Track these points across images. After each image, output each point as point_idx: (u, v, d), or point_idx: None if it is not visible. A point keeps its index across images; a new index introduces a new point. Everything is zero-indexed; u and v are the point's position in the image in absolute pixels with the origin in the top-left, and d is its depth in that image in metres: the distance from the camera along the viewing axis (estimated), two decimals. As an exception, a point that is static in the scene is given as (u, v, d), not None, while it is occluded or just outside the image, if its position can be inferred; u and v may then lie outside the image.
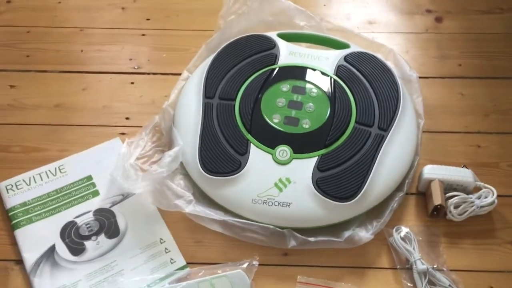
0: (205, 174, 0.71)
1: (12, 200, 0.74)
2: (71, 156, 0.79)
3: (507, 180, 0.76)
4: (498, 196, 0.71)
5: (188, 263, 0.69)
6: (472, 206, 0.70)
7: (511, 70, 0.89)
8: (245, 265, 0.67)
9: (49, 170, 0.77)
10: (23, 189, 0.75)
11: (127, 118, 0.85)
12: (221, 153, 0.72)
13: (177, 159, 0.72)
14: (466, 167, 0.75)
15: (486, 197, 0.71)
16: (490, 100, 0.86)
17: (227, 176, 0.71)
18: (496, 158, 0.79)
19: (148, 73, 0.91)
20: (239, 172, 0.71)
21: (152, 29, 0.98)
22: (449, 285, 0.65)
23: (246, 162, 0.71)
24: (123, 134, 0.83)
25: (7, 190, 0.75)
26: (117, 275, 0.68)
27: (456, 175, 0.73)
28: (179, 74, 0.86)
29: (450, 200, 0.71)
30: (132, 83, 0.90)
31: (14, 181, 0.75)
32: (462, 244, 0.70)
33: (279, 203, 0.69)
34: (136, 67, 0.92)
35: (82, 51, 0.94)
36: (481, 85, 0.88)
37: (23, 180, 0.76)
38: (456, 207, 0.70)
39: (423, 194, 0.75)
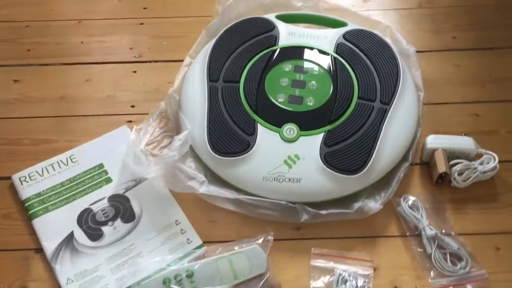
0: (215, 155, 0.73)
1: (27, 191, 0.75)
2: (81, 145, 0.80)
3: (506, 146, 0.78)
4: (499, 161, 0.74)
5: (204, 242, 0.71)
6: (475, 172, 0.73)
7: (504, 40, 0.92)
8: (260, 241, 0.69)
9: (60, 161, 0.78)
10: (36, 180, 0.76)
11: (132, 106, 0.86)
12: (229, 135, 0.74)
13: (187, 142, 0.74)
14: (467, 136, 0.77)
15: (488, 163, 0.74)
16: (486, 70, 0.88)
17: (237, 156, 0.72)
18: (495, 125, 0.81)
19: (150, 61, 0.92)
20: (248, 151, 0.72)
21: (149, 17, 0.99)
22: (458, 248, 0.68)
23: (255, 142, 0.73)
24: (130, 122, 0.84)
25: (21, 182, 0.76)
26: (136, 257, 0.69)
27: (458, 143, 0.75)
28: (181, 61, 0.87)
29: (454, 168, 0.73)
30: (135, 71, 0.91)
31: (27, 173, 0.77)
32: (467, 209, 0.73)
33: (289, 179, 0.71)
34: (137, 56, 0.93)
35: (82, 42, 0.95)
36: (476, 56, 0.90)
37: (36, 171, 0.77)
38: (459, 174, 0.73)
39: (427, 163, 0.77)
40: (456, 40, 0.92)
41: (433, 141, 0.75)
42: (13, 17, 0.99)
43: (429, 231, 0.69)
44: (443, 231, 0.70)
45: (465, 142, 0.75)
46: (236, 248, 0.68)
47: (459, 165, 0.73)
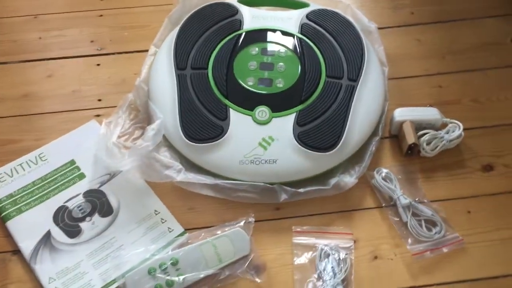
0: (190, 142, 0.73)
1: (-3, 194, 0.73)
2: (49, 143, 0.79)
3: (469, 114, 0.81)
4: (463, 129, 0.77)
5: (186, 230, 0.71)
6: (442, 141, 0.76)
7: (461, 12, 0.95)
8: (242, 223, 0.69)
9: (29, 160, 0.76)
10: (6, 181, 0.74)
11: (99, 100, 0.85)
12: (202, 121, 0.74)
13: (160, 131, 0.73)
14: (432, 107, 0.80)
15: (453, 131, 0.76)
16: (445, 42, 0.91)
17: (211, 142, 0.72)
18: (457, 95, 0.84)
19: (113, 53, 0.91)
20: (222, 137, 0.73)
21: (108, 8, 0.97)
22: (432, 215, 0.71)
23: (228, 127, 0.73)
24: (98, 116, 0.82)
25: (-10, 184, 0.74)
26: (118, 250, 0.69)
27: (424, 115, 0.78)
28: (145, 51, 0.86)
29: (422, 138, 0.75)
30: (98, 64, 0.89)
31: (-4, 175, 0.75)
32: (437, 177, 0.76)
33: (265, 161, 0.72)
34: (99, 49, 0.91)
35: (40, 38, 0.92)
36: (435, 29, 0.93)
37: (5, 172, 0.75)
38: (428, 143, 0.75)
39: (396, 136, 0.79)
40: (414, 16, 0.95)
41: (401, 114, 0.78)
42: (-36, 16, 0.95)
43: (404, 200, 0.71)
44: (417, 199, 0.72)
45: (430, 113, 0.78)
46: (218, 232, 0.69)
47: (427, 135, 0.75)
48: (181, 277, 0.64)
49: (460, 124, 0.77)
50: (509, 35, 0.91)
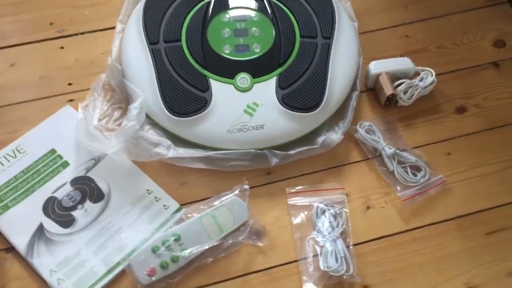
0: (175, 117, 0.72)
1: (-21, 193, 0.70)
2: (25, 134, 0.76)
3: (438, 60, 0.84)
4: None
5: (181, 205, 0.71)
6: (418, 89, 0.78)
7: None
8: (237, 192, 0.70)
9: (7, 154, 0.74)
10: (-14, 179, 0.72)
11: (69, 84, 0.82)
12: (184, 95, 0.73)
13: (143, 109, 0.72)
14: (404, 56, 0.82)
15: (427, 78, 0.79)
16: (406, -8, 0.93)
17: (196, 114, 0.72)
18: (424, 43, 0.87)
19: (76, 34, 0.87)
20: (207, 108, 0.72)
21: (63, -13, 0.92)
22: (416, 160, 0.74)
23: (211, 97, 0.73)
24: (71, 100, 0.80)
25: (-31, 184, 0.71)
26: (117, 233, 0.68)
27: (398, 65, 0.80)
28: (109, 28, 0.84)
29: (399, 88, 0.78)
30: (62, 47, 0.86)
31: (-26, 174, 0.72)
32: (416, 124, 0.79)
33: (253, 127, 0.72)
34: (60, 31, 0.87)
35: (-5, 25, 0.88)
36: (395, -21, 0.94)
37: (-17, 170, 0.72)
38: (404, 93, 0.78)
39: (373, 89, 0.81)
40: (373, -32, 0.96)
41: (376, 66, 0.80)
42: None
43: (388, 150, 0.74)
44: (400, 147, 0.75)
45: (404, 63, 0.80)
46: (216, 203, 0.69)
47: (403, 85, 0.78)
48: (186, 252, 0.65)
49: (432, 71, 0.79)
50: (466, -20, 0.94)
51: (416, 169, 0.74)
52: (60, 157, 0.74)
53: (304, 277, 0.66)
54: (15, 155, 0.74)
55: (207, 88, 0.73)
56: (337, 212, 0.70)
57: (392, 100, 0.79)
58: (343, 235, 0.68)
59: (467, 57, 0.85)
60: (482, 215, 0.71)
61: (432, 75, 0.79)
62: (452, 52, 0.86)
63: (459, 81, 0.83)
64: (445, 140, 0.77)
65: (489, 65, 0.84)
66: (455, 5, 0.91)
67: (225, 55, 0.76)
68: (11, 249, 0.68)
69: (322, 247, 0.67)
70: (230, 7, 0.80)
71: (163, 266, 0.64)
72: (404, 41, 0.87)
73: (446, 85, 0.82)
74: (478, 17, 0.90)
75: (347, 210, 0.71)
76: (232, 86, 0.74)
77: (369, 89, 0.82)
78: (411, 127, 0.78)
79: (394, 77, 0.80)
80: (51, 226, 0.69)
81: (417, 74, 0.81)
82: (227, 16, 0.79)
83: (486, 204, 0.72)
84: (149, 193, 0.72)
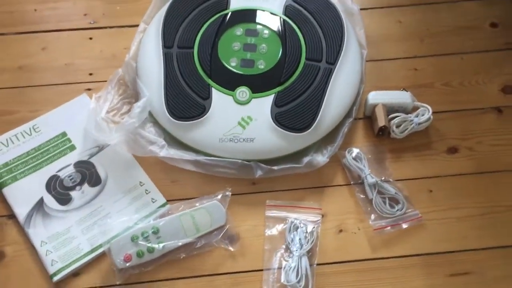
0: (174, 120, 0.78)
1: (-6, 162, 0.79)
2: (43, 115, 0.83)
3: (440, 98, 0.86)
4: (434, 112, 0.81)
5: (168, 201, 0.77)
6: (412, 124, 0.80)
7: (443, -5, 0.97)
8: (219, 197, 0.75)
9: (24, 131, 0.82)
10: (2, 150, 0.80)
11: (90, 74, 0.89)
12: (186, 100, 0.78)
13: (145, 109, 0.78)
14: (406, 90, 0.84)
15: (423, 115, 0.81)
16: (424, 25, 0.94)
17: (194, 120, 0.77)
18: (431, 78, 0.88)
19: (105, 27, 0.94)
20: (204, 115, 0.77)
21: (101, -19, 0.99)
22: (395, 193, 0.76)
23: (210, 106, 0.78)
24: (89, 89, 0.87)
25: (-13, 153, 0.79)
26: (105, 218, 0.75)
27: (396, 98, 0.82)
28: (135, 26, 0.90)
29: (393, 121, 0.80)
30: (91, 38, 0.93)
31: (-7, 144, 0.80)
32: (405, 158, 0.81)
33: (244, 139, 0.77)
34: (92, 22, 0.94)
35: (35, 10, 0.96)
36: (416, 11, 0.95)
37: (1, 142, 0.80)
38: (397, 126, 0.80)
39: (370, 117, 0.84)
40: (398, -3, 0.98)
41: (374, 97, 0.82)
42: (-39, -14, 0.98)
43: (370, 179, 0.77)
44: (383, 178, 0.78)
45: (403, 97, 0.82)
46: (197, 204, 0.75)
47: (397, 118, 0.80)
48: (161, 245, 0.71)
49: (430, 108, 0.81)
50: (487, 20, 0.94)
51: (394, 201, 0.76)
52: (69, 140, 0.81)
53: (264, 287, 0.70)
54: (30, 133, 0.82)
55: (208, 96, 0.79)
56: (309, 230, 0.73)
57: (385, 131, 0.81)
58: (310, 253, 0.72)
59: (471, 99, 0.86)
60: (450, 256, 0.73)
61: (429, 112, 0.81)
62: (457, 92, 0.87)
63: (458, 122, 0.84)
64: (430, 177, 0.79)
65: (491, 110, 0.85)
66: (471, 45, 0.91)
67: (230, 67, 0.81)
68: (12, 216, 0.76)
69: (287, 261, 0.71)
70: (245, 21, 0.85)
71: (139, 255, 0.70)
72: (412, 74, 0.89)
73: (444, 124, 0.83)
74: (492, 59, 0.90)
75: (319, 230, 0.74)
76: (231, 97, 0.79)
77: (367, 116, 0.84)
78: (400, 159, 0.81)
79: (392, 109, 0.82)
80: (50, 201, 0.76)
81: (415, 109, 0.82)
82: (241, 29, 0.84)
83: (455, 246, 0.74)
84: (141, 185, 0.78)
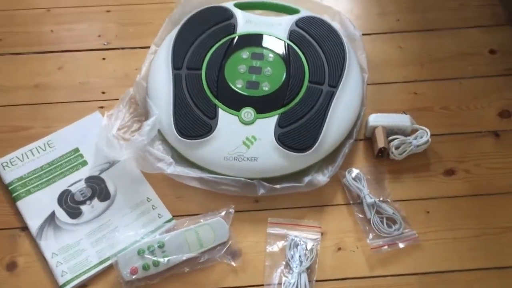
0: (181, 138, 0.81)
1: (9, 176, 0.82)
2: (57, 131, 0.87)
3: (439, 121, 0.88)
4: (432, 135, 0.84)
5: (173, 216, 0.80)
6: (410, 146, 0.83)
7: (443, 22, 1.00)
8: (223, 213, 0.78)
9: (38, 146, 0.86)
10: (17, 165, 0.84)
11: (103, 93, 0.93)
12: (193, 119, 0.82)
13: (155, 127, 0.82)
14: (405, 113, 0.87)
15: (421, 137, 0.84)
16: (426, 51, 0.97)
17: (200, 138, 0.81)
18: (430, 102, 0.91)
19: (118, 48, 0.99)
20: (210, 134, 0.81)
21: (116, 4, 1.04)
22: (393, 213, 0.79)
23: (216, 125, 0.81)
24: (101, 107, 0.91)
25: (3, 167, 0.83)
26: (113, 231, 0.78)
27: (396, 121, 0.85)
28: (147, 47, 0.94)
29: (392, 143, 0.83)
30: (104, 58, 0.97)
31: (9, 158, 0.84)
32: (403, 179, 0.83)
33: (247, 158, 0.80)
34: (105, 43, 0.99)
35: (52, 31, 1.00)
36: (418, 37, 0.99)
37: (16, 157, 0.84)
38: (396, 148, 0.83)
39: (370, 139, 0.87)
40: (399, 23, 1.01)
41: (374, 119, 0.85)
42: (-18, 6, 1.03)
43: (369, 199, 0.79)
44: (381, 198, 0.80)
45: (402, 120, 0.85)
46: (201, 220, 0.78)
47: (396, 140, 0.83)
48: (166, 259, 0.74)
49: (428, 131, 0.84)
50: (488, 46, 0.97)
51: (392, 221, 0.79)
52: (81, 156, 0.85)
53: (264, 301, 0.73)
54: (45, 148, 0.86)
55: (214, 116, 0.82)
56: (309, 248, 0.76)
57: (384, 152, 0.84)
58: (309, 270, 0.75)
59: (469, 122, 0.89)
60: (445, 276, 0.75)
61: (427, 135, 0.84)
62: (456, 115, 0.89)
63: (455, 144, 0.86)
64: (427, 198, 0.81)
65: (489, 134, 0.87)
66: (471, 70, 0.94)
67: (236, 89, 0.84)
68: (25, 228, 0.79)
69: (287, 277, 0.74)
70: (251, 45, 0.88)
71: (145, 268, 0.73)
72: (411, 97, 0.92)
73: (441, 146, 0.86)
74: (491, 84, 0.93)
75: (319, 248, 0.77)
76: (237, 117, 0.82)
77: (367, 138, 0.87)
78: (398, 180, 0.83)
79: (391, 131, 0.85)
80: (61, 215, 0.80)
81: (414, 131, 0.85)
82: (247, 53, 0.88)
83: (451, 266, 0.76)
84: (148, 201, 0.81)
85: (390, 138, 0.84)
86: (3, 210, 0.81)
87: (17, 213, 0.80)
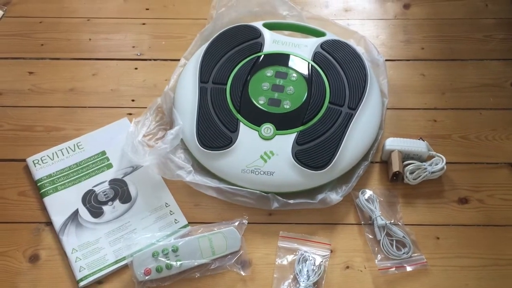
0: (202, 148, 0.85)
1: (39, 173, 0.87)
2: (87, 134, 0.92)
3: (456, 150, 0.90)
4: (448, 163, 0.85)
5: (189, 223, 0.83)
6: (425, 172, 0.84)
7: (467, 52, 1.02)
8: (236, 223, 0.81)
9: (68, 147, 0.91)
10: (48, 163, 0.88)
11: (132, 100, 0.98)
12: (215, 131, 0.86)
13: (178, 136, 0.86)
14: (422, 139, 0.89)
15: (437, 164, 0.85)
16: (447, 79, 0.99)
17: (220, 150, 0.84)
18: (449, 130, 0.92)
19: (150, 59, 1.03)
20: (230, 146, 0.84)
21: (151, 18, 1.10)
22: (403, 236, 0.80)
23: (236, 138, 0.85)
24: (130, 114, 0.95)
25: (34, 164, 0.88)
26: (131, 233, 0.82)
27: (412, 146, 0.87)
28: (177, 60, 0.99)
29: (407, 167, 0.84)
30: (136, 68, 1.02)
31: (40, 156, 0.89)
32: (416, 203, 0.85)
33: (264, 172, 0.83)
34: (139, 54, 1.04)
35: (90, 39, 1.06)
36: (440, 66, 1.01)
37: (47, 155, 0.89)
38: (411, 173, 0.85)
39: (386, 162, 0.88)
40: (424, 51, 1.03)
41: (391, 143, 0.87)
42: (28, 13, 1.10)
43: (380, 221, 0.81)
44: (392, 221, 0.82)
45: (419, 145, 0.87)
46: (215, 229, 0.81)
47: (411, 165, 0.84)
48: (179, 263, 0.77)
49: (444, 158, 0.85)
50: (509, 79, 0.98)
51: (402, 244, 0.80)
52: (107, 159, 0.90)
53: (269, 312, 0.75)
54: (74, 149, 0.90)
55: (235, 130, 0.85)
56: (317, 263, 0.78)
57: (399, 176, 0.85)
58: (316, 285, 0.76)
59: (486, 153, 0.89)
60: (451, 302, 0.76)
61: (442, 162, 0.85)
62: (473, 145, 0.91)
63: (471, 174, 0.87)
64: (438, 225, 0.82)
65: (505, 165, 0.88)
66: (492, 102, 0.95)
67: (258, 105, 0.88)
68: (50, 223, 0.84)
69: (293, 290, 0.76)
70: (276, 64, 0.92)
71: (158, 270, 0.76)
72: (430, 124, 0.93)
73: (457, 174, 0.87)
74: (510, 117, 0.93)
75: (327, 265, 0.78)
76: (257, 132, 0.85)
77: (383, 161, 0.89)
78: (411, 205, 0.85)
79: (407, 156, 0.87)
80: (84, 213, 0.84)
81: (430, 158, 0.87)
82: (271, 71, 0.91)
83: (457, 293, 0.76)
84: (167, 206, 0.85)
85: (406, 162, 0.85)
86: (31, 204, 0.86)
87: (43, 209, 0.85)
